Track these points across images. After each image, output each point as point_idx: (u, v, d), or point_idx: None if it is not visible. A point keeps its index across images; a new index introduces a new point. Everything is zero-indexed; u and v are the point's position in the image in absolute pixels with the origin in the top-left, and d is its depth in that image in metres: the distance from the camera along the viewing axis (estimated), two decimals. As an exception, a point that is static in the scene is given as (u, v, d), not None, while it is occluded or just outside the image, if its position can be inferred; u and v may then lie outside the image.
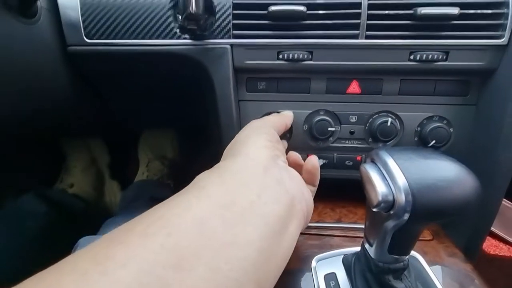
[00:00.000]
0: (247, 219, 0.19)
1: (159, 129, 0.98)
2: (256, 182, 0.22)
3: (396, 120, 0.40)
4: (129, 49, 0.38)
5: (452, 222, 0.42)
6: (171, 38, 0.37)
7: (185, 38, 0.37)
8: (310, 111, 0.41)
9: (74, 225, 0.78)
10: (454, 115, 0.40)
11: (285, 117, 0.36)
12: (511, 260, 0.94)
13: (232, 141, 0.29)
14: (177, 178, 0.97)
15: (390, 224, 0.26)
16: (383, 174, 0.26)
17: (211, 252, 0.17)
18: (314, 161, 0.32)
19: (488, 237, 1.00)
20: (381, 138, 0.40)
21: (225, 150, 0.28)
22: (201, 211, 0.18)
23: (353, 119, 0.41)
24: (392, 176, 0.25)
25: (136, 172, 0.99)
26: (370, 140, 0.42)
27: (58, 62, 0.38)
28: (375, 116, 0.41)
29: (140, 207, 0.71)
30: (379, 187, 0.25)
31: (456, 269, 0.38)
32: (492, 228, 0.98)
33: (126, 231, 0.17)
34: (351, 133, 0.41)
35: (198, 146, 1.02)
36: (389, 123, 0.40)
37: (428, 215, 0.25)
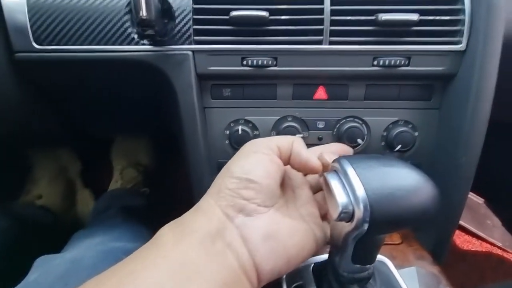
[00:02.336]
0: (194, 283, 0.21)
1: (133, 135, 0.95)
2: (202, 253, 0.23)
3: (363, 125, 0.40)
4: (83, 55, 0.35)
5: (419, 226, 0.42)
6: (128, 44, 0.36)
7: (143, 44, 0.36)
8: (278, 118, 0.40)
9: (40, 239, 0.73)
10: (419, 119, 0.40)
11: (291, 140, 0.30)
12: (483, 255, 0.98)
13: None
14: (152, 185, 0.94)
15: (351, 234, 0.25)
16: (343, 183, 0.26)
17: None
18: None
19: (461, 233, 1.03)
20: (348, 143, 0.40)
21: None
22: (158, 276, 0.21)
23: (320, 125, 0.41)
24: (351, 186, 0.24)
25: (111, 179, 0.96)
26: (338, 145, 0.41)
27: (5, 70, 0.35)
28: (342, 122, 0.41)
29: (110, 218, 0.69)
30: (339, 198, 0.25)
31: (424, 272, 0.38)
32: (465, 224, 1.02)
33: None
34: (319, 139, 0.41)
35: (174, 152, 1.00)
36: (356, 128, 0.40)
37: (387, 225, 0.25)
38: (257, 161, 0.27)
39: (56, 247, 0.52)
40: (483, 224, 1.05)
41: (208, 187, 0.27)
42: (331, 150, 0.33)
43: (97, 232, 0.54)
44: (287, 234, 0.26)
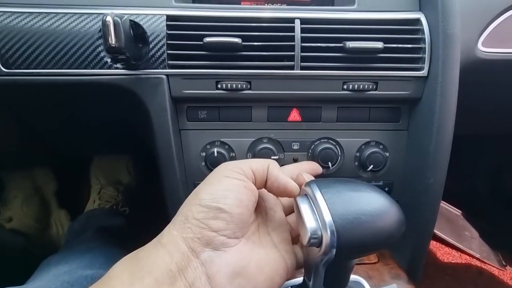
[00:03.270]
0: None
1: (111, 154, 0.92)
2: None
3: (337, 146, 0.42)
4: (54, 79, 0.35)
5: (387, 249, 0.43)
6: (101, 68, 0.35)
7: (117, 68, 0.36)
8: (253, 139, 0.41)
9: (8, 266, 0.69)
10: (389, 140, 0.42)
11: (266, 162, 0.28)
12: (463, 267, 1.00)
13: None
14: (133, 204, 0.91)
15: (321, 259, 0.25)
16: (313, 208, 0.26)
17: None
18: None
19: (441, 245, 1.05)
20: (323, 164, 0.41)
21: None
22: None
23: (295, 146, 0.41)
24: (319, 212, 0.25)
25: (89, 199, 0.92)
26: (313, 166, 0.42)
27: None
28: (316, 143, 0.42)
29: (85, 241, 0.65)
30: (308, 223, 0.25)
31: (400, 290, 0.39)
32: (444, 236, 1.04)
33: None
34: (295, 160, 0.42)
35: (156, 170, 0.97)
36: (330, 150, 0.41)
37: (354, 250, 0.25)
38: (229, 187, 0.25)
39: (27, 273, 0.49)
40: (461, 236, 1.08)
41: None
42: (303, 169, 0.33)
43: (68, 258, 0.51)
44: (257, 268, 0.25)
